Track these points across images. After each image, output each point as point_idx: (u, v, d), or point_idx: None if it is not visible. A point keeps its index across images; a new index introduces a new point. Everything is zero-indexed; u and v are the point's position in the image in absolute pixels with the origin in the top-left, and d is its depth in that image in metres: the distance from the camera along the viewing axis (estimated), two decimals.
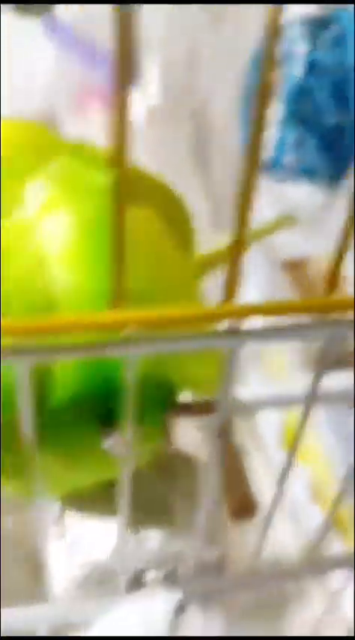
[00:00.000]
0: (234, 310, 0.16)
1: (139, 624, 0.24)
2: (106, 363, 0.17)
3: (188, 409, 0.19)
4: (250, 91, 0.54)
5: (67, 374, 0.18)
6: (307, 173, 0.56)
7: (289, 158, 0.56)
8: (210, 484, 0.22)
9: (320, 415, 0.43)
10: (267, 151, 0.53)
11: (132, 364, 0.16)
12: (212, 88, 0.69)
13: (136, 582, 0.25)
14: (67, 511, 0.26)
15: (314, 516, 0.37)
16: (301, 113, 0.54)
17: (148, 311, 0.15)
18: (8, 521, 0.29)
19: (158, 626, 0.24)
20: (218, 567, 0.26)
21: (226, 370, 0.17)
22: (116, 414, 0.18)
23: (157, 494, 0.27)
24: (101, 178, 0.19)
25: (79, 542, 0.25)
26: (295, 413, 0.22)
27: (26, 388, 0.16)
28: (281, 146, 0.56)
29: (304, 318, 0.16)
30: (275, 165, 0.55)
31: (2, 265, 0.16)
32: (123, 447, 0.18)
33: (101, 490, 0.26)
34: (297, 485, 0.38)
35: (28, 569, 0.28)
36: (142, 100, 0.68)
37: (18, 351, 0.15)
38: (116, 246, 0.14)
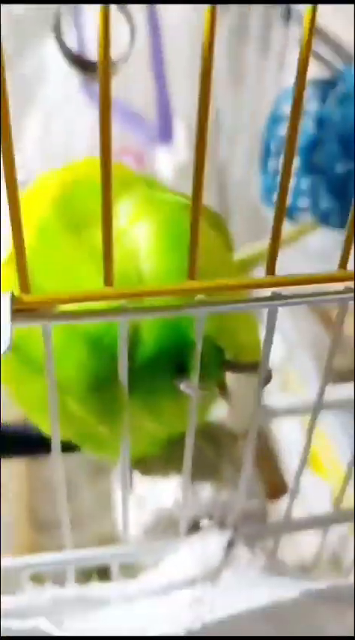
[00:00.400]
0: (274, 280, 0.22)
1: (197, 561, 0.30)
2: (181, 323, 0.24)
3: (239, 366, 0.26)
4: (269, 146, 0.61)
5: (151, 332, 0.24)
6: (321, 217, 0.63)
7: (304, 204, 0.63)
8: (247, 450, 0.28)
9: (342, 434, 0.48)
10: (288, 197, 0.60)
11: (200, 321, 0.23)
12: (233, 146, 0.77)
13: (194, 527, 0.31)
14: (134, 472, 0.32)
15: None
16: (314, 163, 0.61)
17: (211, 282, 0.22)
18: None
19: (212, 561, 0.30)
20: (259, 516, 0.32)
21: (268, 328, 0.24)
22: (188, 366, 0.24)
23: (207, 459, 0.32)
24: (169, 197, 0.26)
25: (145, 494, 0.31)
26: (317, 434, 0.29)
27: (124, 339, 0.23)
28: (297, 193, 0.63)
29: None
30: (292, 211, 0.61)
31: (98, 263, 0.23)
32: (194, 388, 0.24)
33: (163, 455, 0.32)
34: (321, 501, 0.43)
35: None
36: (171, 158, 0.76)
37: (121, 311, 0.22)
38: (192, 236, 0.21)
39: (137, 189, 0.27)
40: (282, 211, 0.22)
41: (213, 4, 0.17)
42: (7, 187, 0.19)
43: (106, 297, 0.21)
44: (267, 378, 0.25)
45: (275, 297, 0.22)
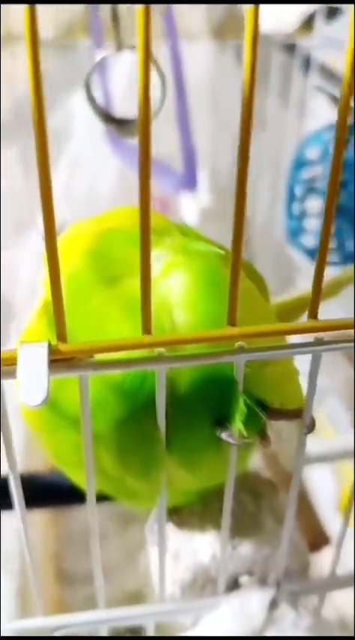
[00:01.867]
0: (316, 325, 0.22)
1: (238, 620, 0.28)
2: (218, 372, 0.23)
3: (282, 414, 0.25)
4: (293, 190, 0.62)
5: (188, 382, 0.23)
6: (347, 257, 0.62)
7: (330, 245, 0.62)
8: (291, 501, 0.27)
9: None
10: (312, 238, 0.60)
11: (240, 367, 0.22)
12: (255, 191, 0.77)
13: (233, 584, 0.29)
14: (169, 523, 0.31)
15: None
16: (339, 205, 0.61)
17: (251, 327, 0.21)
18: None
19: (254, 621, 0.28)
20: (302, 571, 0.30)
21: (312, 374, 0.23)
22: (228, 415, 0.23)
23: (247, 511, 0.31)
24: (202, 247, 0.26)
25: (180, 549, 0.30)
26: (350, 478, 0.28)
27: (162, 389, 0.22)
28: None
29: None
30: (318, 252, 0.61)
31: (136, 312, 0.22)
32: (235, 437, 0.23)
33: (199, 507, 0.31)
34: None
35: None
36: (195, 204, 0.76)
37: (159, 359, 0.21)
38: (233, 281, 0.21)
39: (171, 238, 0.26)
40: (324, 258, 0.21)
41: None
42: (46, 237, 0.19)
43: (144, 346, 0.21)
44: (311, 425, 0.24)
45: (318, 342, 0.22)
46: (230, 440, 0.23)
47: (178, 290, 0.24)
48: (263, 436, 0.25)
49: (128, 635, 0.35)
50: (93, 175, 0.75)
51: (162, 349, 0.21)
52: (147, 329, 0.20)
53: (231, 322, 0.21)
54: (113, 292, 0.24)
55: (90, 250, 0.26)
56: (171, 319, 0.24)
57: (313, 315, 0.21)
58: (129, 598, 0.60)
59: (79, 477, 0.27)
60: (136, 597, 0.61)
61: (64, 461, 0.28)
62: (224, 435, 0.23)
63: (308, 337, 0.22)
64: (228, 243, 0.23)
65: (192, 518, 0.31)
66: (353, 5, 0.18)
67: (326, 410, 0.67)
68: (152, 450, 0.24)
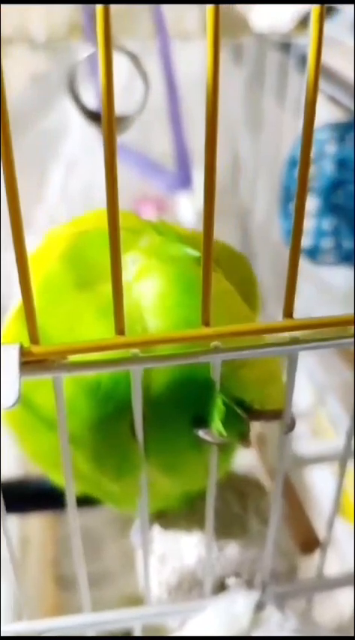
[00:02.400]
0: (292, 324, 0.21)
1: (224, 622, 0.28)
2: (195, 372, 0.23)
3: (262, 415, 0.25)
4: (288, 190, 0.61)
5: (163, 382, 0.23)
6: (343, 257, 0.62)
7: (326, 244, 0.62)
8: (275, 501, 0.27)
9: None
10: (307, 239, 0.59)
11: (216, 368, 0.22)
12: (253, 190, 0.77)
13: (220, 587, 0.29)
14: (154, 526, 0.30)
15: None
16: (335, 204, 0.61)
17: (226, 327, 0.21)
18: None
19: (240, 622, 0.28)
20: (289, 573, 0.30)
21: (289, 374, 0.23)
22: (206, 416, 0.23)
23: (233, 513, 0.31)
24: (176, 250, 0.26)
25: (166, 552, 0.30)
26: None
27: (138, 390, 0.22)
28: (319, 234, 0.62)
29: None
30: (315, 252, 0.61)
31: (109, 315, 0.22)
32: (213, 435, 0.23)
33: (185, 509, 0.31)
34: None
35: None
36: (192, 204, 0.76)
37: (134, 360, 0.21)
38: (205, 282, 0.20)
39: (146, 238, 0.26)
40: (296, 253, 0.21)
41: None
42: (15, 240, 0.19)
43: (118, 346, 0.21)
44: (291, 426, 0.24)
45: (293, 341, 0.22)
46: (208, 438, 0.23)
47: (150, 295, 0.24)
48: (243, 437, 0.25)
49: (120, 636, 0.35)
50: (89, 176, 0.75)
51: (136, 350, 0.21)
52: (120, 329, 0.20)
53: (205, 322, 0.21)
54: (87, 295, 0.24)
55: (65, 253, 0.26)
56: (143, 325, 0.24)
57: (288, 313, 0.21)
58: (128, 602, 0.60)
59: (58, 478, 0.27)
60: (135, 601, 0.61)
61: (43, 462, 0.28)
62: (201, 433, 0.23)
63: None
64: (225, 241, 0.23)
65: (179, 521, 0.31)
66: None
67: (327, 411, 0.66)
68: (128, 453, 0.24)
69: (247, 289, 0.29)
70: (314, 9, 0.18)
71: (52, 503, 0.48)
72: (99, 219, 0.28)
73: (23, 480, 0.48)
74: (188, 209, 0.74)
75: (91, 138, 0.71)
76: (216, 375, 0.22)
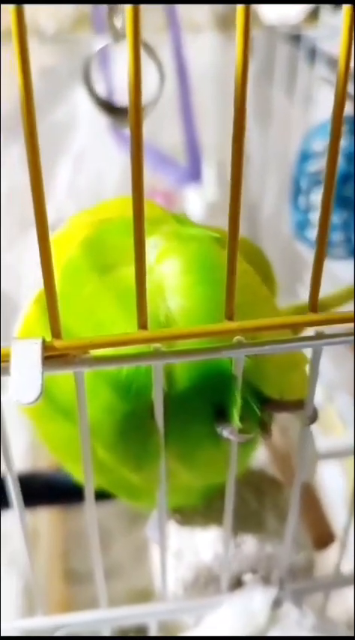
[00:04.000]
0: (317, 319, 0.21)
1: (241, 619, 0.28)
2: (216, 363, 0.23)
3: (283, 406, 0.24)
4: (298, 183, 0.61)
5: (184, 375, 0.23)
6: (353, 250, 0.62)
7: (336, 238, 0.62)
8: (294, 497, 0.26)
9: None
10: (317, 232, 0.59)
11: (239, 363, 0.22)
12: (262, 183, 0.77)
13: (236, 583, 0.29)
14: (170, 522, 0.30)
15: None
16: (345, 198, 0.60)
17: (250, 322, 0.21)
18: None
19: (257, 620, 0.28)
20: (306, 569, 0.30)
21: (313, 368, 0.22)
22: (227, 408, 0.23)
23: (250, 509, 0.31)
24: (196, 231, 0.26)
25: (183, 548, 0.29)
26: None
27: (159, 384, 0.22)
28: (334, 227, 0.62)
29: None
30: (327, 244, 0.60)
31: (128, 299, 0.22)
32: (235, 433, 0.23)
33: (202, 505, 0.31)
34: None
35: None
36: (202, 198, 0.76)
37: (156, 355, 0.21)
38: (229, 275, 0.20)
39: (167, 226, 0.26)
40: (323, 250, 0.21)
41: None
42: (39, 232, 0.18)
43: (141, 341, 0.20)
44: (313, 417, 0.23)
45: (318, 336, 0.21)
46: (231, 437, 0.23)
47: (172, 275, 0.24)
48: (264, 429, 0.24)
49: (134, 634, 0.35)
50: (97, 169, 0.74)
51: (158, 344, 0.21)
52: (143, 324, 0.20)
53: (229, 316, 0.21)
54: (107, 280, 0.24)
55: (87, 239, 0.26)
56: (165, 305, 0.23)
57: (313, 308, 0.21)
58: (138, 597, 0.60)
59: (76, 470, 0.27)
60: (145, 596, 0.61)
61: (61, 452, 0.28)
62: (225, 432, 0.23)
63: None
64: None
65: (195, 517, 0.30)
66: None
67: (336, 406, 0.66)
68: (148, 443, 0.24)
69: (267, 274, 0.29)
70: (345, 8, 0.17)
71: (61, 498, 0.48)
72: (122, 206, 0.28)
73: (33, 474, 0.48)
74: (197, 203, 0.74)
75: (100, 131, 0.71)
76: (238, 370, 0.22)
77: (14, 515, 0.26)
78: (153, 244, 0.25)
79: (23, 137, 0.20)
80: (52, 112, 0.70)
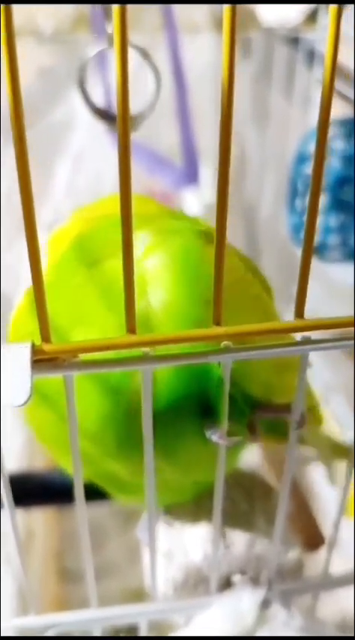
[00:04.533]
0: (304, 324, 0.21)
1: (229, 619, 0.28)
2: (200, 369, 0.23)
3: (271, 409, 0.25)
4: (295, 185, 0.61)
5: (168, 377, 0.23)
6: (349, 254, 0.62)
7: (333, 241, 0.62)
8: (282, 499, 0.27)
9: None
10: (315, 235, 0.59)
11: (227, 367, 0.22)
12: (259, 185, 0.77)
13: (225, 584, 0.29)
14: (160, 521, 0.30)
15: None
16: (342, 200, 0.61)
17: (237, 327, 0.21)
18: None
19: (246, 620, 0.28)
20: (295, 570, 0.30)
21: (300, 373, 0.23)
22: (214, 409, 0.23)
23: (240, 510, 0.31)
24: (181, 225, 0.26)
25: (172, 548, 0.30)
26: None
27: (148, 388, 0.22)
28: (326, 231, 0.62)
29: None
30: (321, 248, 0.61)
31: (116, 290, 0.22)
32: (223, 436, 0.23)
33: (191, 505, 0.31)
34: None
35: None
36: (199, 200, 0.76)
37: (144, 359, 0.21)
38: (216, 283, 0.20)
39: (159, 221, 0.26)
40: (309, 254, 0.21)
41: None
42: (28, 236, 0.19)
43: (129, 345, 0.21)
44: (301, 422, 0.24)
45: (305, 342, 0.22)
46: (220, 441, 0.23)
47: (154, 270, 0.24)
48: (252, 431, 0.25)
49: (125, 634, 0.35)
50: (96, 169, 0.75)
51: (147, 349, 0.21)
52: (131, 328, 0.20)
53: (216, 321, 0.21)
54: (94, 272, 0.24)
55: (79, 235, 0.26)
56: (146, 299, 0.24)
57: (300, 314, 0.21)
58: (132, 596, 0.60)
59: (67, 465, 0.27)
60: (139, 595, 0.61)
61: (53, 448, 0.28)
62: (214, 437, 0.23)
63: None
64: (229, 238, 0.23)
65: (185, 517, 0.31)
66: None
67: (332, 408, 0.66)
68: (133, 438, 0.24)
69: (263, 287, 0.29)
70: (331, 8, 0.18)
71: (57, 498, 0.48)
72: (113, 203, 0.29)
73: (27, 474, 0.49)
74: (194, 205, 0.74)
75: (98, 132, 0.71)
76: (226, 374, 0.22)
77: (6, 514, 0.26)
78: (142, 239, 0.25)
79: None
80: (51, 112, 0.70)
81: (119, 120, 0.18)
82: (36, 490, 0.46)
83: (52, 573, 0.63)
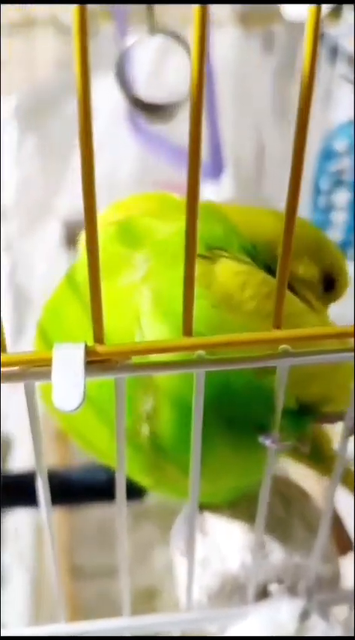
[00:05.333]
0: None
1: (268, 630, 0.27)
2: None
3: (323, 417, 0.24)
4: (318, 183, 0.60)
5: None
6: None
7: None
8: (327, 507, 0.26)
9: None
10: (338, 232, 0.58)
11: (283, 372, 0.21)
12: (279, 181, 0.76)
13: (263, 593, 0.28)
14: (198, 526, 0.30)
15: None
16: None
17: (296, 331, 0.20)
18: None
19: (285, 631, 0.27)
20: (332, 580, 0.29)
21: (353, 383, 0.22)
22: (269, 421, 0.22)
23: (277, 517, 0.30)
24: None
25: (208, 556, 0.29)
26: None
27: (201, 392, 0.21)
28: (350, 228, 0.61)
29: None
30: (345, 245, 0.60)
31: (109, 316, 0.21)
32: (275, 440, 0.22)
33: (227, 512, 0.30)
34: None
35: None
36: (218, 194, 0.75)
37: (199, 362, 0.20)
38: (280, 286, 0.19)
39: (168, 227, 0.25)
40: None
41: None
42: (87, 232, 0.18)
43: (183, 349, 0.20)
44: (353, 429, 0.23)
45: None
46: (272, 445, 0.22)
47: (149, 301, 0.23)
48: (301, 439, 0.24)
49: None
50: (113, 160, 0.74)
51: (202, 352, 0.20)
52: (187, 331, 0.19)
53: (276, 325, 0.20)
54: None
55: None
56: (141, 332, 0.23)
57: None
58: (142, 596, 0.59)
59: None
60: (149, 595, 0.61)
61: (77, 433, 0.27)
62: (267, 442, 0.22)
63: None
64: None
65: (221, 524, 0.30)
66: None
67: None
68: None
69: (331, 275, 0.28)
70: (309, 9, 0.17)
71: (71, 497, 0.47)
72: (144, 202, 0.28)
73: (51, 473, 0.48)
74: (214, 198, 0.73)
75: (117, 122, 0.70)
76: (281, 379, 0.21)
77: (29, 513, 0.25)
78: (144, 259, 0.24)
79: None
80: (70, 104, 0.69)
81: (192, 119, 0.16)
82: (53, 489, 0.46)
83: (62, 570, 0.63)
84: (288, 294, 0.25)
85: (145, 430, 0.24)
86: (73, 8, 0.15)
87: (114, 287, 0.23)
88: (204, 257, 0.24)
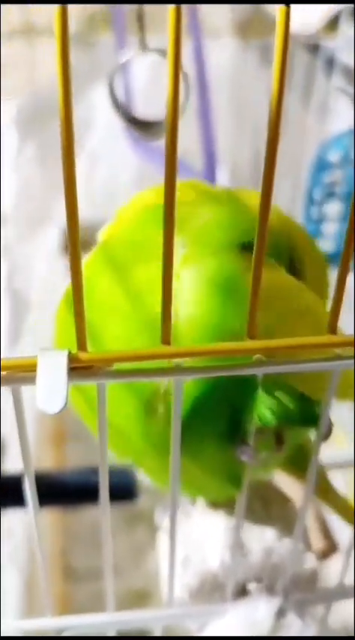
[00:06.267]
0: (338, 340, 0.21)
1: (245, 627, 0.28)
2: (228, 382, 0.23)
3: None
4: (312, 193, 0.61)
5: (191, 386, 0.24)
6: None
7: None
8: (302, 509, 0.27)
9: None
10: (331, 243, 0.59)
11: (260, 380, 0.22)
12: (274, 192, 0.77)
13: (242, 591, 0.30)
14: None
15: None
16: None
17: (269, 341, 0.21)
18: None
19: (261, 628, 0.28)
20: (310, 579, 0.30)
21: (331, 389, 0.23)
22: (242, 430, 0.24)
23: (256, 519, 0.31)
24: (227, 237, 0.26)
25: (190, 555, 0.30)
26: None
27: (179, 399, 0.22)
28: (342, 239, 0.62)
29: None
30: (338, 257, 0.60)
31: (147, 299, 0.22)
32: (250, 455, 0.23)
33: (209, 513, 0.31)
34: None
35: None
36: None
37: (177, 370, 0.21)
38: (253, 297, 0.20)
39: (201, 215, 0.26)
40: (345, 271, 0.21)
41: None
42: (70, 241, 0.19)
43: (163, 356, 0.21)
44: (327, 433, 0.24)
45: (337, 357, 0.22)
46: (246, 459, 0.23)
47: (189, 284, 0.24)
48: (279, 442, 0.25)
49: (135, 635, 0.35)
50: (112, 169, 0.75)
51: (180, 360, 0.21)
52: (166, 340, 0.20)
53: (251, 335, 0.21)
54: (120, 280, 0.25)
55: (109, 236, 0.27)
56: (175, 311, 0.24)
57: (332, 329, 0.21)
58: (136, 597, 0.60)
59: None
60: (143, 597, 0.62)
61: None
62: (244, 457, 0.23)
63: None
64: None
65: (202, 524, 0.31)
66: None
67: (337, 416, 0.66)
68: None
69: (318, 274, 0.29)
70: (280, 9, 0.17)
71: (65, 499, 0.48)
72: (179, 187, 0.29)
73: (40, 475, 0.49)
74: None
75: (115, 131, 0.71)
76: (256, 388, 0.22)
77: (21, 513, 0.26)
78: (179, 246, 0.25)
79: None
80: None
81: (168, 131, 0.18)
82: (44, 490, 0.46)
83: (56, 571, 0.64)
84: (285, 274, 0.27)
85: (161, 408, 0.25)
86: (55, 8, 0.15)
87: (156, 270, 0.24)
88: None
